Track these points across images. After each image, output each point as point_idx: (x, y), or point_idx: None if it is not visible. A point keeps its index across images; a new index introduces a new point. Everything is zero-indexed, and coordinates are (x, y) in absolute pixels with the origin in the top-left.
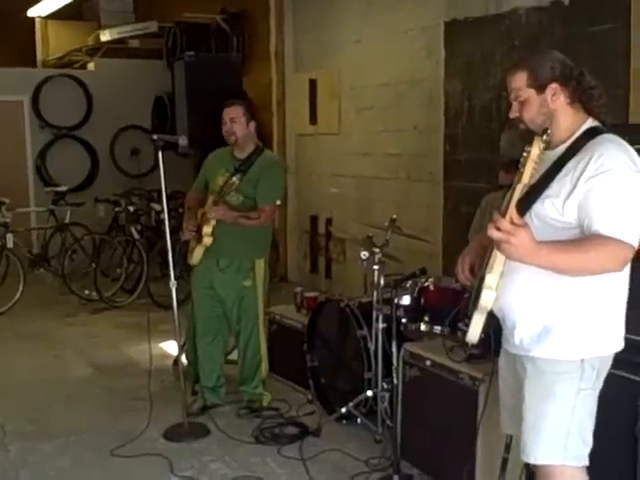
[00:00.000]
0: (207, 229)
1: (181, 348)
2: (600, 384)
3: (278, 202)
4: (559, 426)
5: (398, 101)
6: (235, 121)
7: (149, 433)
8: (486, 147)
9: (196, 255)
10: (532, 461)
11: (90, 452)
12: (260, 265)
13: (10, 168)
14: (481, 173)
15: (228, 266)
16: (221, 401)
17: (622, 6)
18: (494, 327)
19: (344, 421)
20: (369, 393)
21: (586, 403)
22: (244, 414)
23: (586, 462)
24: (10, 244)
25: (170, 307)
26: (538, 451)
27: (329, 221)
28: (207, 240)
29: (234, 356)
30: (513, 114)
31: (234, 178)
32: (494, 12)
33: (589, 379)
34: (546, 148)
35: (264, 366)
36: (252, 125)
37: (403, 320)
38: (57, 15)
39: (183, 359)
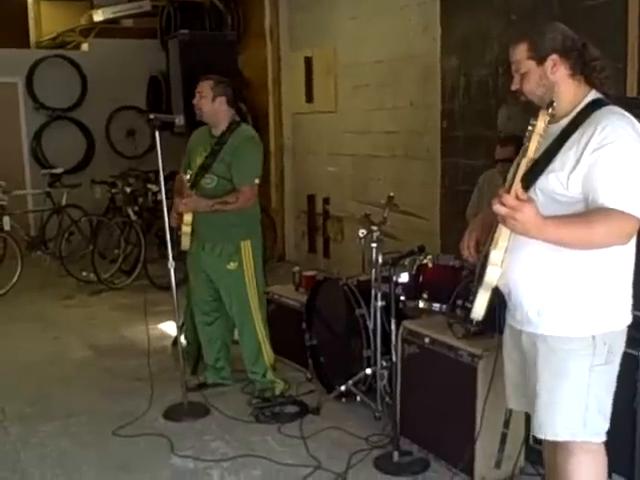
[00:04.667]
0: (187, 218)
1: (180, 328)
2: (616, 358)
3: (257, 181)
4: (575, 403)
5: (394, 78)
6: (202, 96)
7: (149, 413)
8: (483, 123)
9: (184, 242)
10: (551, 437)
11: (90, 433)
12: (247, 247)
13: (5, 151)
14: (479, 150)
15: (212, 250)
16: (224, 381)
17: None
18: (498, 303)
19: (343, 399)
20: (368, 371)
21: (601, 379)
22: (257, 404)
23: (604, 437)
24: (7, 227)
25: (168, 288)
26: (558, 428)
27: (326, 200)
28: (186, 229)
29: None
30: (514, 86)
31: (187, 175)
32: None
33: (601, 355)
34: (550, 121)
35: (266, 351)
36: (219, 101)
37: (402, 298)
38: None
39: (182, 339)
